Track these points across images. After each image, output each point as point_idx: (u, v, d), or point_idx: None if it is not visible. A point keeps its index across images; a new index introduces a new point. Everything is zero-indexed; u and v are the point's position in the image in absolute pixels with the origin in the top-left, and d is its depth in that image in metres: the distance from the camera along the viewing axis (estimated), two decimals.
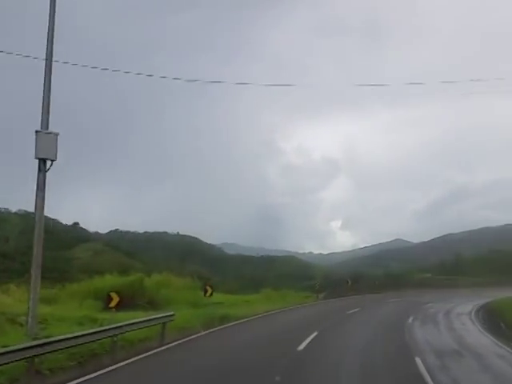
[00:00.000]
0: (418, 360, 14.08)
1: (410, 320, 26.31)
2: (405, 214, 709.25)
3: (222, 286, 49.07)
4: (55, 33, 14.80)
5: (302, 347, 16.18)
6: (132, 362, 13.49)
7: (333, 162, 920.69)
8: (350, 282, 57.45)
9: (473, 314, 31.74)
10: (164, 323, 17.66)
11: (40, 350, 10.71)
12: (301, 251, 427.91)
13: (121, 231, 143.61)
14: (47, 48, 14.76)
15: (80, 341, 12.39)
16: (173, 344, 16.93)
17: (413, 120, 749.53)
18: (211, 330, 21.06)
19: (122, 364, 13.10)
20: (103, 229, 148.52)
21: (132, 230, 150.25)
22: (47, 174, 14.50)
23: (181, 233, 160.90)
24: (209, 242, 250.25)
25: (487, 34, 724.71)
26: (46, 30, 14.76)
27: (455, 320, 27.84)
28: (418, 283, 71.59)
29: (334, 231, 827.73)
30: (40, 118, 14.48)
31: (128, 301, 21.32)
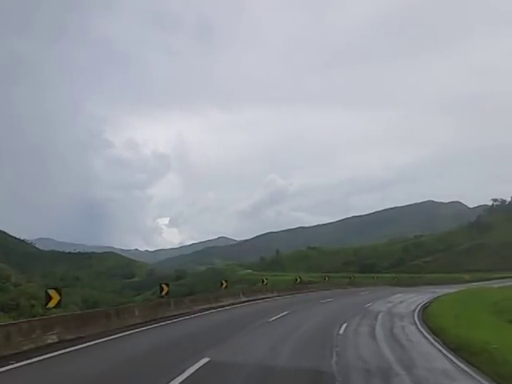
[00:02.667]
0: None
1: None
2: (230, 213, 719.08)
3: None
4: None
5: None
6: None
7: (163, 159, 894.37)
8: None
9: None
10: None
11: None
12: (126, 248, 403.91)
13: None
14: None
15: None
16: None
17: (242, 123, 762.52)
18: None
19: None
20: None
21: None
22: None
23: None
24: (21, 237, 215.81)
25: (316, 46, 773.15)
26: None
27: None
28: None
29: (162, 228, 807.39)
30: None
31: None
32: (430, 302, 30.42)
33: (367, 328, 16.77)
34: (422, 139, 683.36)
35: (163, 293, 20.25)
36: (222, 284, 27.32)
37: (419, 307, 26.96)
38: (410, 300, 33.01)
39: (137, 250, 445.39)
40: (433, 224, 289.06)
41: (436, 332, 16.26)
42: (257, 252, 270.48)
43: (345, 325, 17.03)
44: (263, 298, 29.47)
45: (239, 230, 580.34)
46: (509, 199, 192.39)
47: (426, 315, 22.21)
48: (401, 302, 30.51)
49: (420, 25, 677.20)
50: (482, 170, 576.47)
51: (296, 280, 45.81)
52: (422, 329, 17.55)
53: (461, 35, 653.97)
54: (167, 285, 21.26)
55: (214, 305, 21.84)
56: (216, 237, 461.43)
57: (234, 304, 24.40)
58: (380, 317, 21.01)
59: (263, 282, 34.86)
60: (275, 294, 32.16)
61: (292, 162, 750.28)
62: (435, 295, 38.16)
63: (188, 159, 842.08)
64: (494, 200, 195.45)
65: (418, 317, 21.86)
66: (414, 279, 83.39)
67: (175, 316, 18.12)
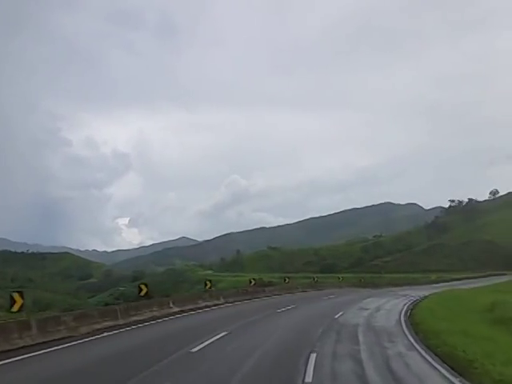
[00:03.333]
0: None
1: None
2: (191, 213, 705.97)
3: None
4: None
5: None
6: None
7: (123, 158, 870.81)
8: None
9: None
10: None
11: None
12: (83, 248, 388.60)
13: None
14: None
15: None
16: None
17: (204, 123, 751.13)
18: None
19: None
20: None
21: None
22: None
23: None
24: None
25: (278, 47, 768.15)
26: None
27: None
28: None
29: (121, 228, 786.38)
30: None
31: None
32: (411, 309, 24.37)
33: (350, 364, 10.14)
34: (380, 142, 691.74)
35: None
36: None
37: (403, 317, 20.77)
38: (387, 306, 26.90)
39: (95, 250, 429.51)
40: (390, 225, 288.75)
41: (461, 367, 9.87)
42: (218, 252, 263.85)
43: (312, 361, 10.23)
44: (204, 307, 22.52)
45: (200, 230, 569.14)
46: (466, 200, 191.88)
47: (421, 330, 15.93)
48: (377, 310, 24.22)
49: (380, 30, 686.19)
50: (438, 173, 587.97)
51: (250, 282, 39.17)
52: (431, 359, 11.12)
53: (419, 42, 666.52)
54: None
55: (121, 321, 14.66)
56: (177, 237, 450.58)
57: (155, 318, 17.34)
58: (361, 337, 14.51)
59: (206, 285, 27.87)
60: (221, 301, 25.17)
61: (254, 163, 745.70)
62: (412, 299, 32.40)
63: (149, 159, 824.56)
64: (451, 201, 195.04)
65: (411, 334, 15.52)
66: (381, 280, 78.38)
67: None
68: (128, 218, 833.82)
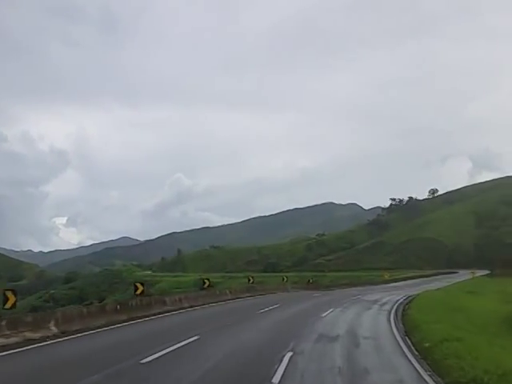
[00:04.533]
0: None
1: None
2: (133, 212, 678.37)
3: None
4: None
5: None
6: None
7: (62, 155, 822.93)
8: None
9: None
10: None
11: None
12: (18, 249, 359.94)
13: None
14: None
15: None
16: None
17: (149, 120, 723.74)
18: None
19: None
20: None
21: None
22: None
23: None
24: None
25: (225, 47, 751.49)
26: None
27: None
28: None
29: (59, 228, 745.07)
30: None
31: None
32: (411, 332, 14.22)
33: None
34: (322, 143, 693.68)
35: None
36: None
37: (419, 366, 10.11)
38: (365, 328, 16.28)
39: (30, 250, 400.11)
40: (332, 225, 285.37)
41: None
42: (161, 252, 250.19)
43: None
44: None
45: (143, 229, 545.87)
46: (406, 199, 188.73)
47: None
48: (355, 343, 13.30)
49: (323, 33, 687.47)
50: (377, 174, 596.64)
51: (204, 283, 28.45)
52: None
53: (360, 46, 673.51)
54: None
55: None
56: (118, 237, 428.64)
57: None
58: None
59: (136, 288, 16.73)
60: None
61: (199, 162, 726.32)
62: (388, 308, 22.59)
63: (90, 156, 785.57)
64: (392, 200, 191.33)
65: None
66: (335, 280, 68.94)
67: None
68: (66, 217, 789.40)
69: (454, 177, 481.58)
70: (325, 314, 20.07)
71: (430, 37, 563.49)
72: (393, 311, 21.54)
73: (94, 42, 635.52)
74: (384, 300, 29.07)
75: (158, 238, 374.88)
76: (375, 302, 27.60)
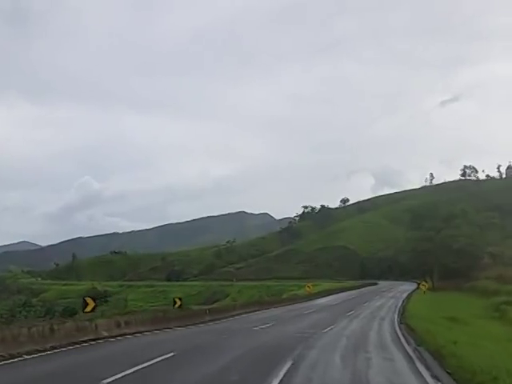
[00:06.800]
0: None
1: None
2: (35, 215, 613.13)
3: None
4: None
5: None
6: None
7: None
8: None
9: None
10: None
11: None
12: None
13: None
14: None
15: None
16: None
17: (57, 119, 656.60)
18: None
19: None
20: None
21: None
22: None
23: None
24: None
25: (143, 49, 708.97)
26: None
27: None
28: None
29: None
30: None
31: None
32: None
33: None
34: (237, 153, 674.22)
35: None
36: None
37: None
38: None
39: None
40: (244, 233, 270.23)
41: None
42: (63, 258, 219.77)
43: None
44: None
45: (45, 233, 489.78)
46: (319, 207, 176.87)
47: None
48: None
49: (243, 45, 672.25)
50: (289, 185, 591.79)
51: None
52: None
53: (278, 60, 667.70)
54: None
55: None
56: (17, 241, 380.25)
57: None
58: None
59: None
60: None
61: (110, 166, 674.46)
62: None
63: None
64: (305, 207, 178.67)
65: None
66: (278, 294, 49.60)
67: None
68: None
69: (359, 192, 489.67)
70: None
71: (343, 57, 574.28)
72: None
73: (1, 35, 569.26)
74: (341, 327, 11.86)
75: (62, 242, 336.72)
76: (344, 332, 12.96)
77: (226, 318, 23.19)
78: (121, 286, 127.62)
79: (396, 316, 23.83)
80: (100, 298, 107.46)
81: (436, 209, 75.28)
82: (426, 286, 43.37)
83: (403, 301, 35.64)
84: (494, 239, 75.92)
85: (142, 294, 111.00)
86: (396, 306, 30.70)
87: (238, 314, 25.33)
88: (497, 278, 45.56)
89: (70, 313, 59.64)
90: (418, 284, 67.79)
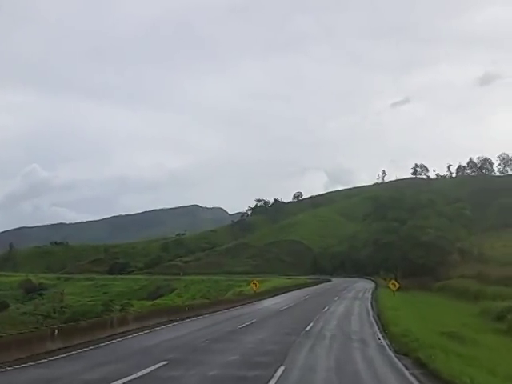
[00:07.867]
0: None
1: None
2: None
3: None
4: None
5: None
6: None
7: None
8: None
9: None
10: None
11: None
12: None
13: None
14: None
15: None
16: None
17: (2, 104, 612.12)
18: None
19: None
20: None
21: None
22: None
23: None
24: None
25: (96, 37, 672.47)
26: None
27: None
28: None
29: None
30: None
31: None
32: None
33: None
34: (192, 146, 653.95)
35: None
36: None
37: None
38: None
39: None
40: (196, 227, 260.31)
41: None
42: (4, 249, 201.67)
43: None
44: None
45: None
46: (272, 201, 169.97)
47: None
48: None
49: (200, 38, 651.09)
50: (243, 180, 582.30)
51: None
52: None
53: (236, 55, 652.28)
54: None
55: None
56: None
57: None
58: None
59: None
60: None
61: (58, 154, 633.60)
62: None
63: None
64: (258, 201, 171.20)
65: None
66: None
67: None
68: None
69: (312, 189, 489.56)
70: None
71: (298, 54, 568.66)
72: None
73: None
74: None
75: (3, 232, 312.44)
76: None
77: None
78: (58, 278, 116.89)
79: (379, 333, 16.17)
80: (35, 290, 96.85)
81: (401, 198, 68.66)
82: (396, 285, 35.92)
83: (371, 304, 28.33)
84: (463, 234, 70.26)
85: (80, 288, 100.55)
86: (368, 314, 23.20)
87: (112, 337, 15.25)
88: (476, 276, 39.26)
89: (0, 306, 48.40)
90: (374, 281, 61.76)
